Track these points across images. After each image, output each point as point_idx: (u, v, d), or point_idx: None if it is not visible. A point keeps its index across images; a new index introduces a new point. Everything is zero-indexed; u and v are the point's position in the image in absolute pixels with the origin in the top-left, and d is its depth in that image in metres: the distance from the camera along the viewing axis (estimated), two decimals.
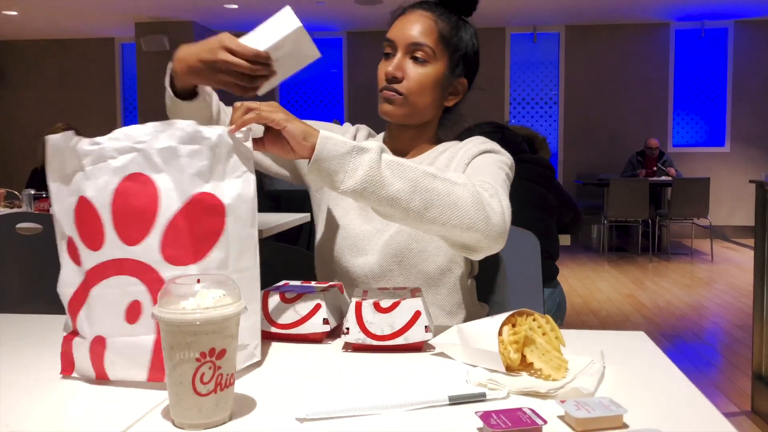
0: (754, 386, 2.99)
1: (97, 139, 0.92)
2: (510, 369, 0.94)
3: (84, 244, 0.91)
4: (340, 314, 1.14)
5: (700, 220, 7.15)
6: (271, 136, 1.05)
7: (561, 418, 0.78)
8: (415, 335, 1.02)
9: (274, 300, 1.11)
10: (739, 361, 3.71)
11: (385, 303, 1.05)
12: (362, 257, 1.32)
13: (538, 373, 0.93)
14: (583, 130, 8.71)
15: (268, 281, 1.74)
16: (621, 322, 4.58)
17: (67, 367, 0.92)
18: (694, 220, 7.12)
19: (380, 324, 1.04)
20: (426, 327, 1.04)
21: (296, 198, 4.29)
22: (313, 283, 1.19)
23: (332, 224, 1.37)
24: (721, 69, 8.66)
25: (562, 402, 0.78)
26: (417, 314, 1.04)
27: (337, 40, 8.94)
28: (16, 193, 3.63)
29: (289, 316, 1.09)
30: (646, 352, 1.06)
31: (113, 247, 0.89)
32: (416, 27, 1.29)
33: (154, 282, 0.87)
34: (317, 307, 1.09)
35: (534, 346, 0.93)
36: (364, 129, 1.49)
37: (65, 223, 0.93)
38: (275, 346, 1.08)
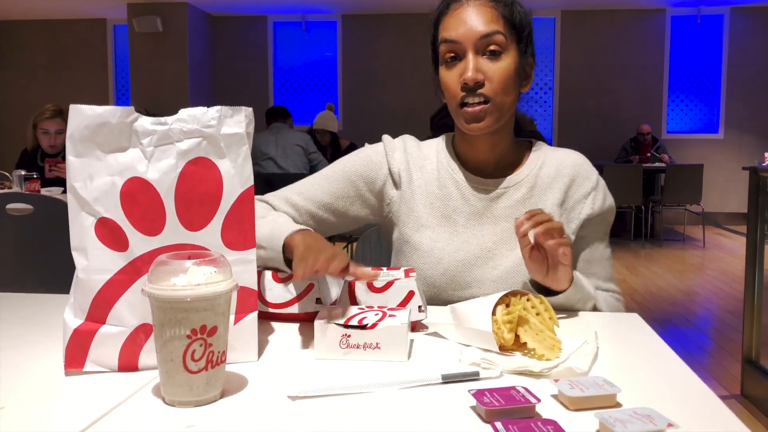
0: (744, 370, 3.01)
1: (163, 119, 0.87)
2: (503, 348, 0.94)
3: (135, 228, 0.85)
4: (336, 292, 1.13)
5: (693, 207, 7.18)
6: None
7: (554, 396, 0.78)
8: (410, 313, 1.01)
9: (268, 279, 1.10)
10: (729, 346, 3.73)
11: (379, 283, 1.04)
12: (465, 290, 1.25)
13: (532, 352, 0.93)
14: (577, 116, 8.70)
15: None
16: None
17: (75, 361, 0.84)
18: (687, 206, 7.14)
19: (374, 304, 1.03)
20: (419, 307, 1.03)
21: (288, 180, 4.28)
22: None
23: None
24: (717, 55, 8.65)
25: (556, 381, 0.78)
26: (410, 294, 1.03)
27: (331, 22, 8.87)
28: (6, 174, 3.59)
29: (282, 295, 1.08)
30: (640, 333, 1.06)
31: (174, 233, 0.86)
32: (479, 18, 1.16)
33: None
34: (310, 286, 1.08)
35: (528, 326, 0.93)
36: (411, 141, 1.35)
37: (99, 203, 0.84)
38: (267, 325, 1.07)
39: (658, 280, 5.49)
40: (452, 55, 1.18)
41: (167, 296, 0.73)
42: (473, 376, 0.83)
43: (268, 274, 1.10)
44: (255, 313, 0.90)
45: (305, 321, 1.09)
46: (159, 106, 7.31)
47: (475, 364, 0.89)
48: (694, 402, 0.78)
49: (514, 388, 0.76)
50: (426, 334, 1.03)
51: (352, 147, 5.73)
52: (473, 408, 0.75)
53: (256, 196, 1.29)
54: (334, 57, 8.91)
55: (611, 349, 0.96)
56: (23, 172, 3.43)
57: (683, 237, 7.56)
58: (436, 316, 1.11)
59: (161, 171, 0.85)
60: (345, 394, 0.79)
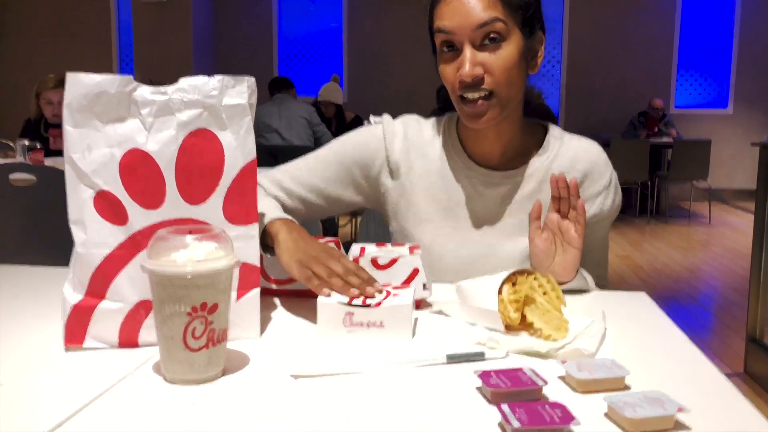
0: (747, 348, 3.01)
1: (163, 88, 0.84)
2: (509, 328, 0.92)
3: (134, 201, 0.83)
4: None
5: (700, 183, 7.12)
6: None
7: (562, 378, 0.77)
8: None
9: (268, 255, 1.08)
10: (733, 324, 3.72)
11: (383, 260, 1.02)
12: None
13: (538, 332, 0.91)
14: (585, 90, 8.60)
15: None
16: (617, 284, 4.59)
17: (75, 337, 0.83)
18: (694, 182, 7.09)
19: (378, 281, 1.02)
20: (424, 285, 1.02)
21: (292, 153, 4.25)
22: None
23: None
24: (728, 29, 8.51)
25: (563, 363, 0.76)
26: (415, 271, 1.02)
27: None
28: (9, 143, 3.57)
29: (284, 271, 1.06)
30: (647, 313, 1.04)
31: (174, 206, 0.84)
32: (474, 4, 1.05)
33: None
34: None
35: (534, 305, 0.91)
36: (413, 123, 1.27)
37: (97, 176, 0.82)
38: (270, 302, 1.06)
39: (662, 256, 5.47)
40: (448, 45, 1.09)
41: (167, 272, 0.71)
42: (478, 357, 0.82)
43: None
44: (257, 290, 0.88)
45: (308, 297, 1.07)
46: (163, 76, 7.25)
47: (481, 343, 0.87)
48: (704, 384, 0.77)
49: (520, 369, 0.74)
50: (431, 312, 1.02)
51: (357, 120, 5.68)
52: (479, 389, 0.74)
53: None
54: (340, 28, 8.80)
55: (619, 329, 0.94)
56: (27, 142, 3.40)
57: (689, 213, 7.52)
58: (441, 293, 1.10)
59: (161, 142, 0.83)
60: (348, 374, 0.78)
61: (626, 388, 0.74)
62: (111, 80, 0.81)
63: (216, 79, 0.84)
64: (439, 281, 1.20)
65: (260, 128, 4.74)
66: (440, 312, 1.01)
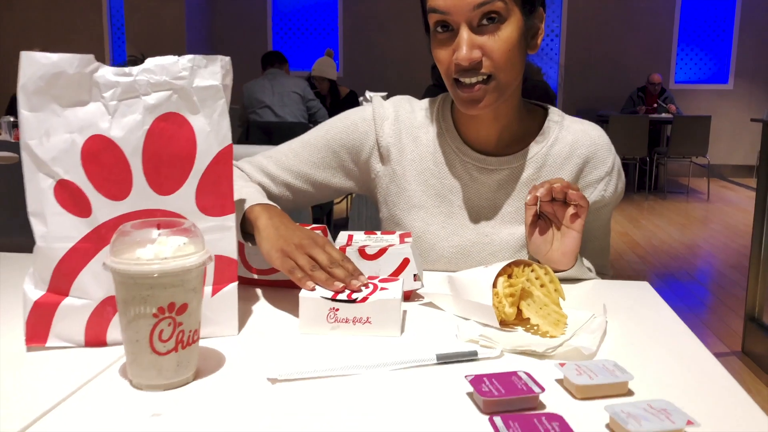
0: (746, 327, 2.97)
1: (126, 69, 0.78)
2: (504, 324, 0.87)
3: (98, 192, 0.77)
4: None
5: (699, 159, 7.06)
6: None
7: (560, 382, 0.71)
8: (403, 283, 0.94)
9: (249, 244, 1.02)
10: (731, 302, 3.69)
11: (371, 249, 0.96)
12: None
13: (535, 328, 0.86)
14: (584, 64, 8.49)
15: None
16: (614, 261, 4.55)
17: (37, 335, 0.78)
18: (692, 158, 7.03)
19: (366, 272, 0.96)
20: (415, 275, 0.96)
21: (286, 129, 4.17)
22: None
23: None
24: (730, 2, 8.38)
25: (562, 365, 0.71)
26: (405, 261, 0.96)
27: None
28: None
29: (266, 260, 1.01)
30: (650, 305, 0.99)
31: (142, 197, 0.78)
32: None
33: None
34: None
35: (531, 299, 0.86)
36: (404, 105, 1.19)
37: (57, 164, 0.76)
38: (250, 294, 1.00)
39: (660, 233, 5.43)
40: (443, 25, 1.01)
41: (131, 271, 0.65)
42: (470, 356, 0.77)
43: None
44: (235, 285, 0.83)
45: (291, 288, 1.02)
46: (155, 48, 7.12)
47: (473, 341, 0.82)
48: (711, 387, 0.71)
49: (515, 374, 0.69)
50: (421, 304, 0.96)
51: (352, 95, 5.59)
52: (470, 395, 0.68)
53: None
54: (335, 1, 8.64)
55: (620, 324, 0.89)
56: (12, 119, 3.32)
57: (687, 190, 7.47)
58: (432, 284, 1.04)
59: (126, 128, 0.76)
60: (329, 377, 0.72)
61: (629, 393, 0.69)
62: (70, 60, 0.74)
63: (186, 59, 0.77)
64: (432, 270, 1.15)
65: (253, 104, 4.65)
66: (431, 304, 0.95)
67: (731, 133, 8.41)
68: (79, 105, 0.75)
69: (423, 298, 0.97)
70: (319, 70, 5.42)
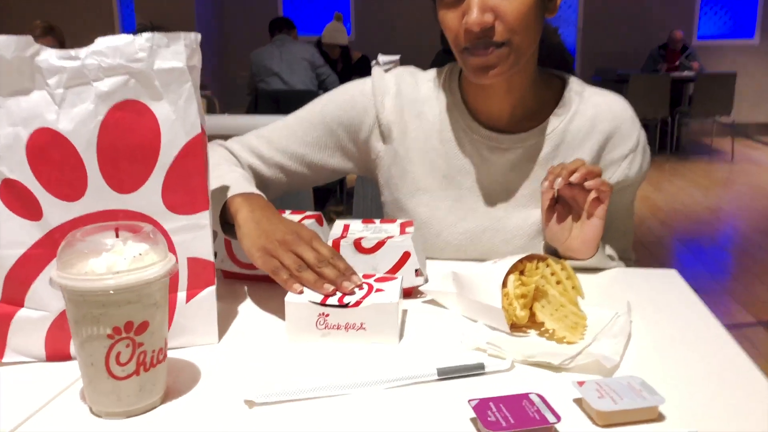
0: None
1: (73, 51, 0.68)
2: (515, 327, 0.77)
3: (48, 192, 0.68)
4: None
5: (722, 118, 6.83)
6: None
7: (578, 402, 0.62)
8: (403, 281, 0.85)
9: None
10: (757, 268, 3.56)
11: (368, 242, 0.87)
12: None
13: (550, 332, 0.76)
14: (603, 21, 8.20)
15: None
16: (636, 226, 4.42)
17: None
18: (716, 117, 6.80)
19: (362, 267, 0.87)
20: (416, 270, 0.87)
21: (295, 98, 4.05)
22: (287, 213, 1.01)
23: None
24: None
25: (581, 384, 0.61)
26: (406, 255, 0.86)
27: None
28: None
29: None
30: (680, 299, 0.89)
31: (99, 197, 0.69)
32: None
33: None
34: None
35: (546, 299, 0.76)
36: (407, 77, 1.08)
37: (1, 162, 0.67)
38: (235, 291, 0.91)
39: (682, 195, 5.27)
40: None
41: (79, 288, 0.57)
42: (476, 370, 0.67)
43: None
44: (212, 289, 0.74)
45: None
46: (164, 17, 6.98)
47: (480, 349, 0.72)
48: (753, 402, 0.62)
49: (526, 397, 0.60)
50: (423, 301, 0.87)
51: (364, 60, 5.42)
52: (473, 421, 0.59)
53: (217, 142, 1.10)
54: None
55: (646, 324, 0.79)
56: None
57: (710, 150, 7.26)
58: (437, 277, 0.95)
59: (77, 119, 0.66)
60: (315, 398, 0.63)
61: (660, 418, 0.59)
62: (5, 42, 0.64)
63: (144, 38, 0.67)
64: (438, 258, 1.05)
65: (261, 72, 4.53)
66: (434, 302, 0.86)
67: (757, 90, 8.12)
68: (22, 94, 0.66)
69: (425, 294, 0.88)
70: (329, 36, 5.26)
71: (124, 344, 0.58)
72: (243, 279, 0.95)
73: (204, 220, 0.72)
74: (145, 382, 0.60)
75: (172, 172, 0.69)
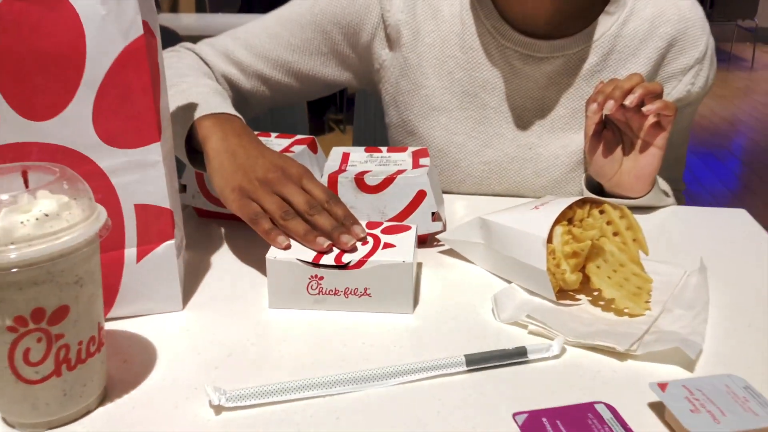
0: None
1: None
2: (563, 294, 0.61)
3: None
4: None
5: (745, 22, 6.46)
6: None
7: (655, 408, 0.46)
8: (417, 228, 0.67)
9: None
10: None
11: (373, 178, 0.69)
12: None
13: (608, 302, 0.60)
14: None
15: None
16: None
17: None
18: (738, 21, 6.42)
19: (365, 210, 0.69)
20: (433, 214, 0.69)
21: None
22: (272, 136, 0.83)
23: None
24: None
25: (662, 388, 0.45)
26: (421, 195, 0.69)
27: None
28: None
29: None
30: (759, 248, 0.72)
31: (5, 127, 0.50)
32: None
33: (87, 178, 0.50)
34: None
35: (602, 258, 0.59)
36: None
37: None
38: (208, 243, 0.74)
39: (699, 106, 5.03)
40: None
41: None
42: (516, 358, 0.51)
43: None
44: (170, 244, 0.57)
45: None
46: None
47: (520, 324, 0.56)
48: None
49: (592, 408, 0.44)
50: (441, 251, 0.70)
51: None
52: None
53: (184, 45, 0.89)
54: None
55: (725, 286, 0.63)
56: None
57: (729, 57, 6.91)
58: (457, 217, 0.78)
59: None
60: (299, 400, 0.48)
61: None
62: None
63: None
64: (456, 192, 0.88)
65: None
66: (455, 253, 0.69)
67: None
68: None
69: (443, 244, 0.71)
70: None
71: (34, 338, 0.41)
72: (220, 218, 0.78)
73: (154, 155, 0.53)
74: (71, 385, 0.44)
75: (106, 90, 0.50)
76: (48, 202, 0.42)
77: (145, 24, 0.51)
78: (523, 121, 0.86)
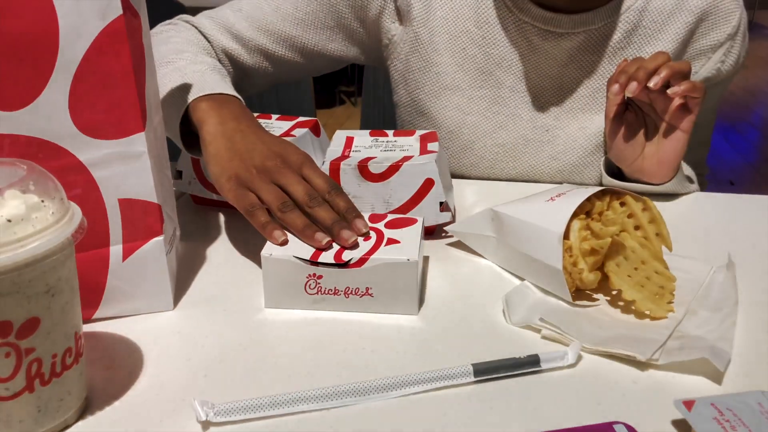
0: None
1: None
2: (580, 294, 0.57)
3: None
4: None
5: None
6: None
7: (677, 426, 0.42)
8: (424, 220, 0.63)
9: None
10: None
11: (378, 165, 0.65)
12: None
13: (623, 303, 0.55)
14: None
15: None
16: None
17: None
18: None
19: (369, 200, 0.65)
20: (442, 204, 0.65)
21: None
22: (273, 119, 0.78)
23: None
24: None
25: (688, 406, 0.41)
26: (428, 184, 0.64)
27: None
28: None
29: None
30: None
31: None
32: None
33: (66, 172, 0.47)
34: None
35: (622, 256, 0.55)
36: None
37: None
38: (204, 235, 0.71)
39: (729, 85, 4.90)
40: None
41: None
42: (528, 367, 0.48)
43: None
44: (158, 240, 0.53)
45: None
46: None
47: (532, 328, 0.52)
48: None
49: (611, 428, 0.40)
50: (449, 243, 0.66)
51: None
52: None
53: (183, 17, 0.85)
54: None
55: (755, 282, 0.58)
56: None
57: (751, 25, 6.73)
58: (463, 207, 0.73)
59: None
60: (293, 414, 0.44)
61: None
62: None
63: None
64: (467, 177, 0.84)
65: None
66: (463, 246, 0.65)
67: None
68: None
69: (450, 236, 0.67)
70: None
71: (2, 353, 0.38)
72: (218, 207, 0.74)
73: (138, 146, 0.49)
74: (45, 401, 0.41)
75: (83, 76, 0.46)
76: (15, 204, 0.38)
77: (125, 2, 0.47)
78: (540, 102, 0.81)
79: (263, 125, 0.75)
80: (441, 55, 0.82)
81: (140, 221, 0.52)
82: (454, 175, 0.80)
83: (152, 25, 0.63)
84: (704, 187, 0.90)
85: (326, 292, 0.54)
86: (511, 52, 0.80)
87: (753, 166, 3.24)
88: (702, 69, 0.80)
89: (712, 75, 0.80)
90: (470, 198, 0.77)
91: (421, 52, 0.83)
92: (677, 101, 0.70)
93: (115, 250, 0.52)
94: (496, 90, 0.82)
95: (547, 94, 0.81)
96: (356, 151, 0.68)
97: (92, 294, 0.52)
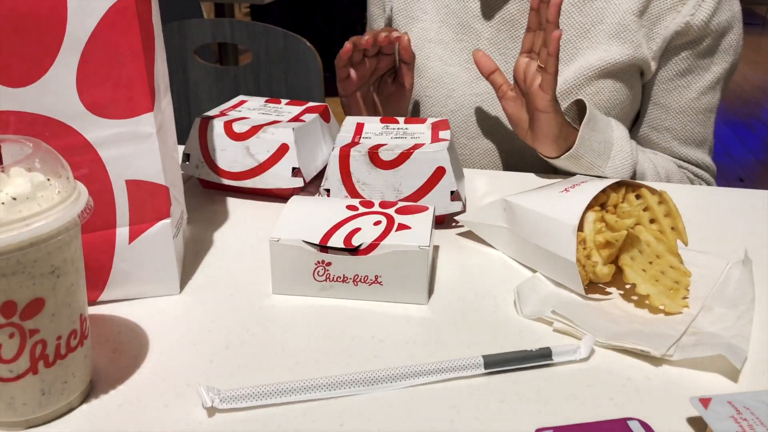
0: None
1: None
2: (593, 288, 0.56)
3: None
4: (322, 159, 0.74)
5: None
6: None
7: (692, 424, 0.42)
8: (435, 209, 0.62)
9: (218, 134, 0.70)
10: None
11: (388, 153, 0.63)
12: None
13: (637, 298, 0.54)
14: None
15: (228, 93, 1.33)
16: None
17: None
18: None
19: (379, 187, 0.64)
20: (452, 193, 0.64)
21: None
22: (283, 103, 0.77)
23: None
24: None
25: (704, 404, 0.40)
26: (440, 172, 0.63)
27: None
28: None
29: (240, 160, 0.69)
30: None
31: None
32: None
33: (72, 151, 0.46)
34: (283, 148, 0.68)
35: (637, 249, 0.54)
36: None
37: None
38: (212, 218, 0.70)
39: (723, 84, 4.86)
40: None
41: None
42: (539, 360, 0.47)
43: (218, 125, 0.70)
44: (166, 223, 0.52)
45: (275, 199, 0.71)
46: None
47: (544, 320, 0.51)
48: None
49: (624, 425, 0.39)
50: (459, 233, 0.65)
51: None
52: None
53: None
54: None
55: (764, 278, 0.57)
56: None
57: (764, 21, 6.67)
58: (474, 197, 0.72)
59: None
60: (298, 402, 0.43)
61: None
62: None
63: None
64: (451, 120, 0.88)
65: None
66: (473, 236, 0.64)
67: None
68: None
69: (461, 226, 0.66)
70: None
71: (6, 334, 0.37)
72: (225, 190, 0.73)
73: (147, 127, 0.48)
74: (49, 383, 0.40)
75: (91, 53, 0.45)
76: (20, 182, 0.37)
77: None
78: (514, 52, 0.86)
79: (273, 109, 0.74)
80: (426, 12, 0.89)
81: (147, 203, 0.51)
82: (437, 119, 0.79)
83: (163, 5, 0.62)
84: (711, 184, 0.89)
85: (335, 279, 0.53)
86: (487, 5, 0.85)
87: (763, 162, 3.22)
88: (672, 23, 0.79)
89: (682, 27, 0.80)
90: (481, 188, 0.76)
91: (406, 6, 0.90)
92: (537, 82, 0.72)
93: (122, 232, 0.51)
94: (475, 42, 0.87)
95: (519, 45, 0.85)
96: (366, 137, 0.67)
97: (98, 276, 0.51)
